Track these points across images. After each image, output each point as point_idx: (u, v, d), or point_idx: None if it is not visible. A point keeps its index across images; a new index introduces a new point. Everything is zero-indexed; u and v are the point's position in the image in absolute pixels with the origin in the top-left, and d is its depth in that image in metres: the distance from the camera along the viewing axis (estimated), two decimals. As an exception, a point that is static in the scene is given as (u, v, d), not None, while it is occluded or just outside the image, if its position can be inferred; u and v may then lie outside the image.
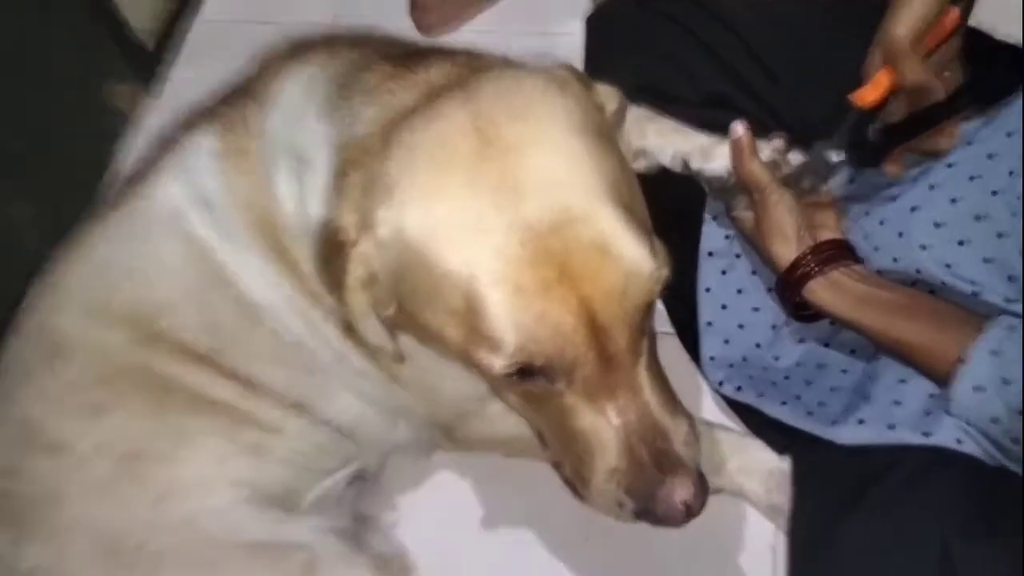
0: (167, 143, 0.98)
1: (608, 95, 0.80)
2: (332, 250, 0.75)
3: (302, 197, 0.84)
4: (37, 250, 1.25)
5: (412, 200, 0.69)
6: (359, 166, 0.74)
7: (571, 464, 0.77)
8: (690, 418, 0.76)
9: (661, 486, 0.72)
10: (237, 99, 0.93)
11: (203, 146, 0.91)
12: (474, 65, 0.79)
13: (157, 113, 1.53)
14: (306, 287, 0.88)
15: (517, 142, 0.69)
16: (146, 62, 1.53)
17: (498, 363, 0.68)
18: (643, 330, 0.72)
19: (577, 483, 0.77)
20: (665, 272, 0.70)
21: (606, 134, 0.76)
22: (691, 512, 0.73)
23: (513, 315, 0.66)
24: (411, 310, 0.72)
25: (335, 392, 0.96)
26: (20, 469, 0.86)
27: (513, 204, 0.66)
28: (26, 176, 1.27)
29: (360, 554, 0.91)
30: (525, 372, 0.69)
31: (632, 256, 0.67)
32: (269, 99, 0.89)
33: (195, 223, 0.90)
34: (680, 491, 0.72)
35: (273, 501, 0.91)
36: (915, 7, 0.85)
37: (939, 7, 0.85)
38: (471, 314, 0.67)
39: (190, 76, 1.54)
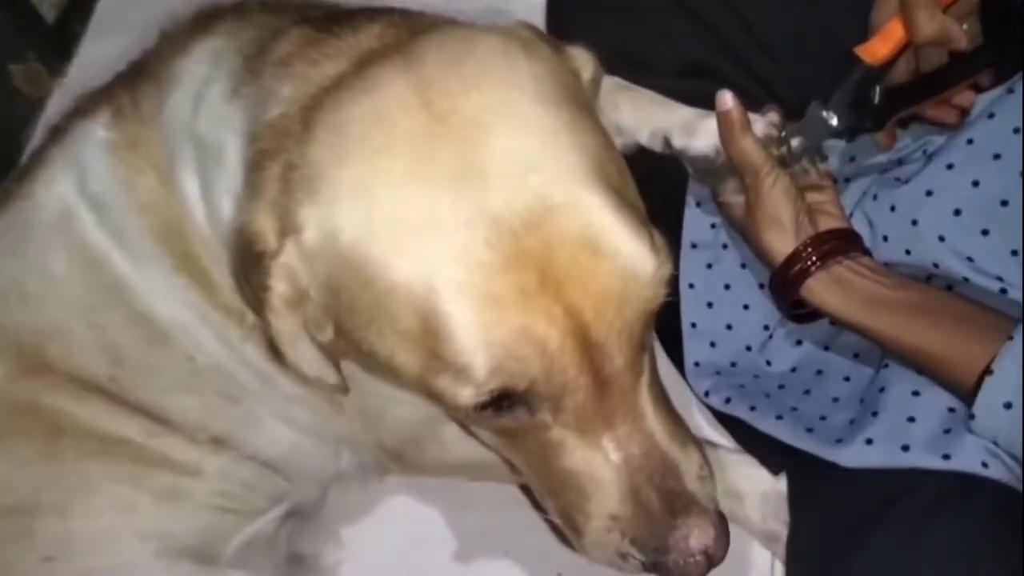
0: (55, 130, 0.85)
1: (581, 60, 0.67)
2: (249, 262, 0.61)
3: (211, 195, 0.71)
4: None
5: (344, 196, 0.56)
6: (276, 155, 0.61)
7: (560, 509, 0.65)
8: (700, 445, 0.64)
9: (673, 532, 0.60)
10: (131, 80, 0.80)
11: (93, 136, 0.78)
12: (413, 26, 0.65)
13: (66, 94, 1.36)
14: (221, 301, 0.75)
15: (475, 116, 0.56)
16: (50, 38, 1.38)
17: (466, 394, 0.55)
18: (644, 344, 0.60)
19: (568, 531, 0.65)
20: (668, 270, 0.57)
21: (585, 104, 0.63)
22: (712, 561, 0.61)
23: (483, 334, 0.53)
24: (352, 333, 0.59)
25: (262, 422, 0.83)
26: None
27: (475, 194, 0.54)
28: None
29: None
30: (500, 403, 0.57)
31: (629, 253, 0.55)
32: (168, 79, 0.76)
33: (86, 228, 0.77)
34: (697, 536, 0.60)
35: (189, 553, 0.79)
36: None
37: None
38: (429, 336, 0.54)
39: (101, 53, 1.37)
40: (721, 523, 0.62)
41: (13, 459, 0.75)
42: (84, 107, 0.83)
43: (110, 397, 0.77)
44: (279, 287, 0.59)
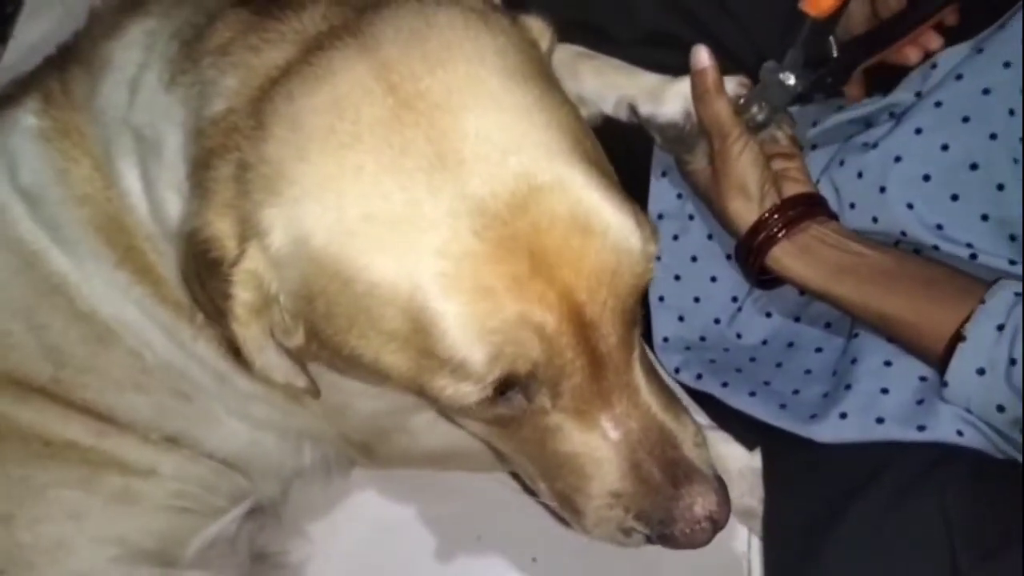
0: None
1: (538, 29, 0.64)
2: (204, 268, 0.58)
3: (153, 189, 0.67)
4: None
5: (312, 194, 0.53)
6: (225, 154, 0.57)
7: (557, 493, 0.63)
8: (689, 413, 0.64)
9: (678, 502, 0.60)
10: (63, 63, 0.76)
11: (22, 125, 0.74)
12: (357, 3, 0.61)
13: (3, 78, 1.30)
14: (169, 297, 0.72)
15: (444, 99, 0.53)
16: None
17: (467, 389, 0.54)
18: (635, 319, 0.59)
19: (568, 514, 0.64)
20: (655, 246, 0.56)
21: (550, 76, 0.61)
22: (717, 525, 0.62)
23: (478, 326, 0.51)
24: (331, 338, 0.57)
25: (218, 419, 0.81)
26: None
27: (454, 181, 0.51)
28: None
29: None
30: (496, 393, 0.55)
31: (619, 229, 0.54)
32: (100, 63, 0.71)
33: (19, 221, 0.74)
34: (701, 503, 0.60)
35: (148, 557, 0.77)
36: None
37: None
38: (419, 334, 0.52)
39: (37, 34, 1.31)
40: (721, 488, 0.62)
41: None
42: (11, 94, 0.79)
43: (54, 398, 0.74)
44: (242, 295, 0.56)
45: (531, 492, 0.69)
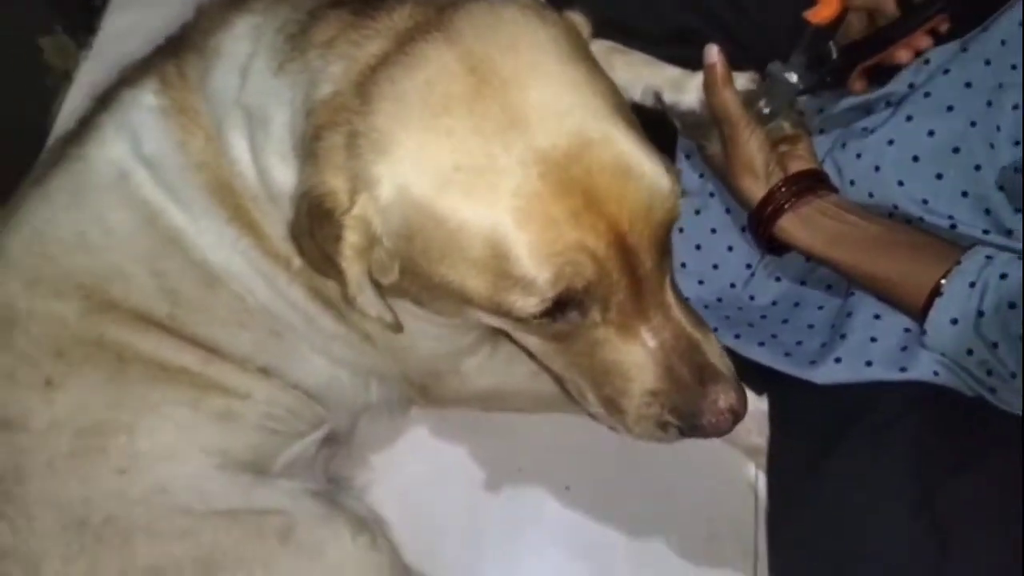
0: (103, 99, 0.92)
1: (579, 22, 0.77)
2: (318, 219, 0.70)
3: (260, 158, 0.79)
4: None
5: (412, 152, 0.66)
6: (335, 126, 0.69)
7: (602, 398, 0.75)
8: (714, 333, 0.76)
9: (703, 399, 0.72)
10: (175, 51, 0.87)
11: (144, 103, 0.86)
12: (436, 4, 0.74)
13: (91, 67, 1.45)
14: (270, 249, 0.84)
15: (514, 75, 0.66)
16: (77, 14, 1.45)
17: (533, 303, 0.66)
18: (667, 248, 0.71)
19: (612, 416, 0.76)
20: (680, 187, 0.69)
21: (593, 58, 0.73)
22: (737, 417, 0.73)
23: (545, 250, 0.64)
24: (422, 271, 0.69)
25: (304, 355, 0.93)
26: (-26, 449, 0.82)
27: (523, 138, 0.64)
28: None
29: (337, 513, 0.89)
30: (558, 309, 0.67)
31: (653, 174, 0.66)
32: (212, 52, 0.83)
33: (142, 185, 0.85)
34: (724, 399, 0.72)
35: (245, 467, 0.89)
36: None
37: None
38: (498, 259, 0.65)
39: (123, 26, 1.46)
40: (740, 387, 0.74)
41: (86, 385, 0.83)
42: (129, 77, 0.90)
43: (169, 331, 0.86)
44: (352, 238, 0.68)
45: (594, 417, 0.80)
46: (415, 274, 0.70)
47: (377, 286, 0.74)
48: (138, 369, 0.85)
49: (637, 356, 0.71)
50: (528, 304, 0.66)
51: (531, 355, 0.81)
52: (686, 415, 0.72)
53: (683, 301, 0.74)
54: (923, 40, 0.88)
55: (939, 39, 0.90)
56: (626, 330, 0.70)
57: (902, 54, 0.89)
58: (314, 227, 0.71)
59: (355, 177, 0.67)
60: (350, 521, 0.88)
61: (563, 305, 0.67)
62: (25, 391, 0.82)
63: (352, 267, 0.70)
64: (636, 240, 0.66)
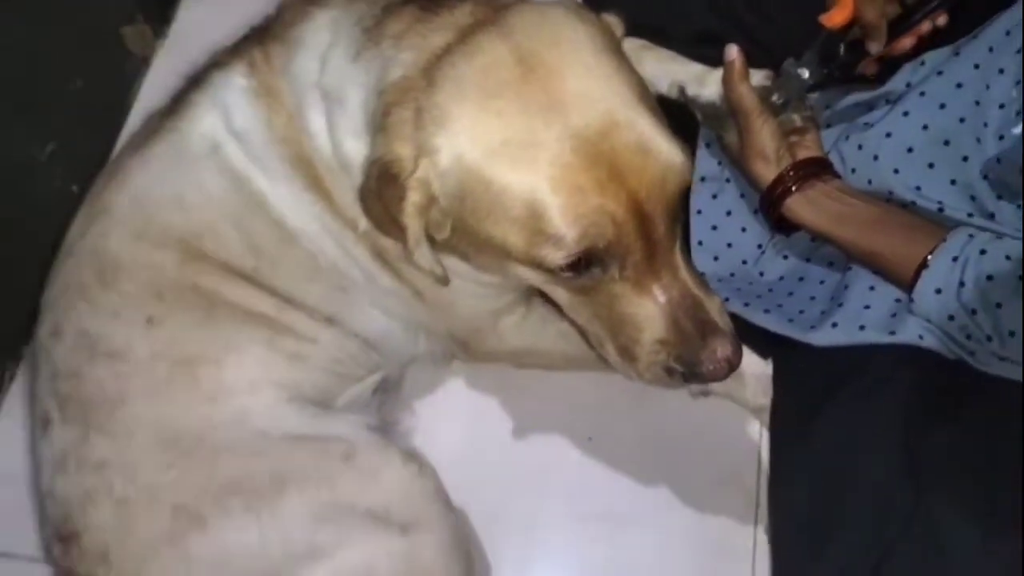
0: (195, 79, 1.04)
1: (614, 23, 0.88)
2: (385, 182, 0.82)
3: (335, 133, 0.92)
4: (60, 186, 1.35)
5: (468, 127, 0.78)
6: (403, 104, 0.82)
7: (618, 347, 0.87)
8: (717, 294, 0.87)
9: (704, 349, 0.83)
10: (261, 39, 0.99)
11: (234, 84, 0.98)
12: (492, 4, 0.86)
13: (167, 54, 1.58)
14: (339, 213, 0.96)
15: (556, 65, 0.78)
16: (155, 5, 1.57)
17: (561, 256, 0.77)
18: (678, 217, 0.82)
19: (626, 361, 0.87)
20: (691, 164, 0.80)
21: (624, 54, 0.85)
22: (732, 366, 0.84)
23: (573, 212, 0.75)
24: (470, 227, 0.81)
25: (363, 308, 1.05)
26: (83, 374, 0.95)
27: (561, 119, 0.76)
28: (50, 117, 1.33)
29: (390, 444, 1.01)
30: (582, 264, 0.79)
31: (668, 152, 0.78)
32: (294, 40, 0.95)
33: (231, 155, 0.97)
34: (721, 350, 0.83)
35: (312, 401, 1.01)
36: None
37: None
38: (534, 219, 0.76)
39: (198, 16, 1.59)
40: (736, 341, 0.85)
41: (181, 324, 0.96)
42: (220, 60, 1.03)
43: (252, 282, 0.99)
44: (414, 197, 0.80)
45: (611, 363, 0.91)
46: (464, 231, 0.82)
47: (431, 242, 0.86)
48: (225, 312, 0.97)
49: (649, 309, 0.82)
50: (557, 257, 0.77)
51: (559, 309, 0.93)
52: (689, 363, 0.83)
53: (690, 265, 0.85)
54: (924, 26, 0.97)
55: (936, 40, 0.99)
56: (640, 286, 0.81)
57: (906, 42, 0.97)
58: (381, 189, 0.83)
59: (419, 146, 0.79)
60: (401, 451, 0.99)
61: (587, 261, 0.79)
62: (128, 327, 0.95)
63: (413, 223, 0.82)
64: (651, 208, 0.78)
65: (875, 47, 0.97)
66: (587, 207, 0.75)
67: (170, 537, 0.89)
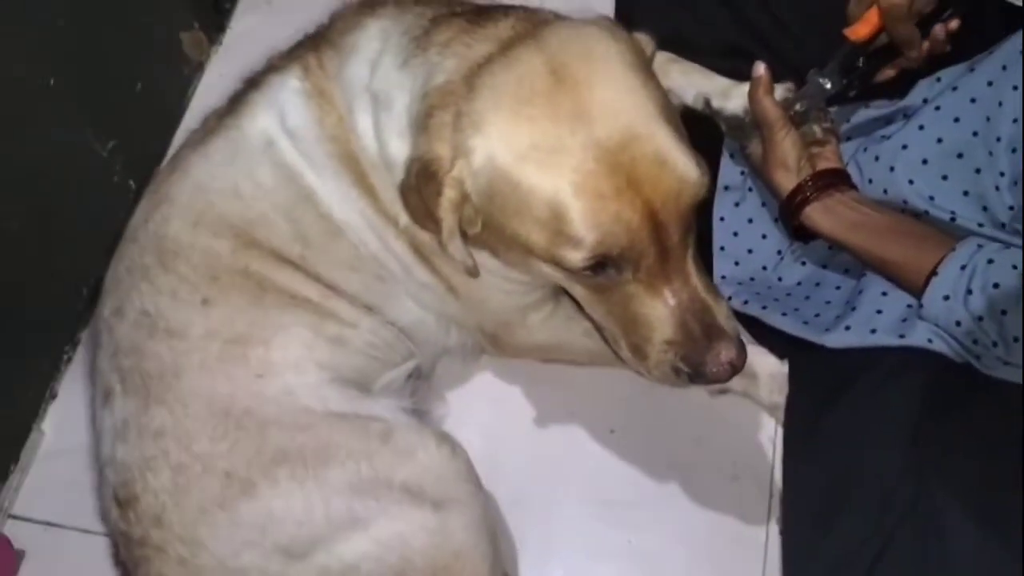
0: (253, 81, 1.12)
1: (644, 41, 0.94)
2: (424, 179, 0.89)
3: (381, 134, 0.99)
4: (119, 181, 1.44)
5: (501, 131, 0.84)
6: (445, 108, 0.88)
7: (631, 344, 0.92)
8: (726, 301, 0.91)
9: (709, 351, 0.87)
10: (315, 45, 1.07)
11: (289, 86, 1.05)
12: (533, 19, 0.93)
13: (221, 59, 1.67)
14: (382, 209, 1.03)
15: (584, 79, 0.83)
16: (211, 14, 1.67)
17: (579, 257, 0.83)
18: (691, 227, 0.87)
19: (637, 359, 0.92)
20: (708, 178, 0.85)
21: (651, 70, 0.90)
22: (735, 369, 0.89)
23: (592, 217, 0.81)
24: (498, 224, 0.87)
25: (400, 298, 1.12)
26: (143, 350, 1.02)
27: (586, 129, 0.81)
28: (112, 116, 1.42)
29: (425, 427, 1.07)
30: (599, 265, 0.84)
31: (684, 165, 0.83)
32: (346, 47, 1.03)
33: (284, 151, 1.05)
34: (725, 354, 0.87)
35: (351, 383, 1.07)
36: None
37: None
38: (556, 220, 0.82)
39: (248, 26, 1.69)
40: (740, 345, 0.89)
41: (233, 306, 1.03)
42: (275, 64, 1.10)
43: (299, 269, 1.05)
44: (450, 193, 0.87)
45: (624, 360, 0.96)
46: (493, 227, 0.89)
47: (463, 237, 0.92)
48: (273, 296, 1.04)
49: (659, 311, 0.87)
50: (575, 258, 0.83)
51: (578, 306, 0.98)
52: (694, 364, 0.88)
53: (702, 272, 0.89)
54: (938, 30, 1.00)
55: (952, 57, 1.03)
56: (652, 289, 0.86)
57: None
58: (421, 185, 0.90)
59: (456, 147, 0.86)
60: (435, 433, 1.05)
61: (603, 262, 0.84)
62: (185, 306, 1.02)
63: (448, 217, 0.88)
64: (665, 216, 0.83)
65: (913, 55, 1.00)
66: (605, 213, 0.81)
67: (221, 501, 0.96)
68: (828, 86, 1.04)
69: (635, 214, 0.81)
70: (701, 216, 0.94)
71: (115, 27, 1.42)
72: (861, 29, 1.01)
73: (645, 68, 0.90)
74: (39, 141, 1.27)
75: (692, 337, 0.87)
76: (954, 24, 1.00)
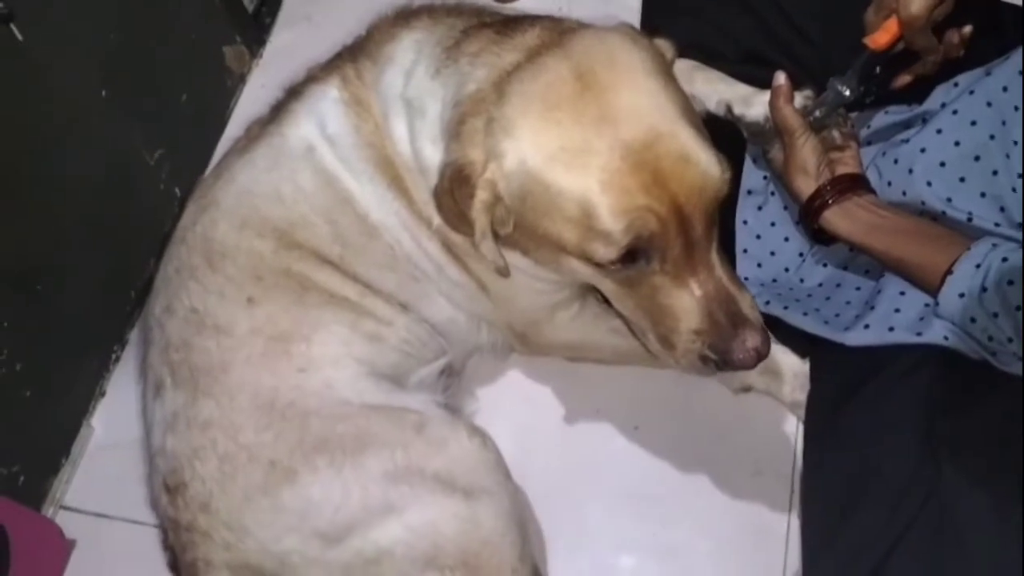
0: (294, 91, 1.18)
1: (665, 47, 0.99)
2: (458, 182, 0.93)
3: (416, 139, 1.04)
4: (164, 189, 1.51)
5: (531, 135, 0.88)
6: (476, 114, 0.93)
7: (658, 336, 0.95)
8: (749, 291, 0.95)
9: (735, 339, 0.91)
10: (353, 57, 1.12)
11: (329, 95, 1.11)
12: (558, 28, 0.97)
13: (262, 72, 1.74)
14: (416, 211, 1.08)
15: (610, 84, 0.88)
16: (252, 28, 1.74)
17: (610, 251, 0.87)
18: (715, 220, 0.91)
19: (665, 349, 0.96)
20: (729, 174, 0.89)
21: (672, 75, 0.95)
22: (760, 356, 0.92)
23: (620, 211, 0.85)
24: (530, 223, 0.91)
25: (433, 297, 1.17)
26: (192, 345, 1.08)
27: (612, 130, 0.86)
28: (159, 126, 1.49)
29: (457, 419, 1.11)
30: (628, 258, 0.88)
31: (707, 161, 0.87)
32: (383, 58, 1.08)
33: (324, 157, 1.10)
34: (751, 341, 0.91)
35: (387, 378, 1.12)
36: None
37: None
38: (586, 217, 0.86)
39: (287, 40, 1.76)
40: (765, 333, 0.92)
41: (276, 304, 1.08)
42: (316, 75, 1.16)
43: (338, 268, 1.11)
44: (482, 195, 0.91)
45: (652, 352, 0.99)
46: (524, 227, 0.93)
47: (495, 237, 0.96)
48: (314, 295, 1.09)
49: (686, 302, 0.91)
50: (607, 252, 0.87)
51: (607, 301, 1.02)
52: (721, 351, 0.91)
53: (725, 264, 0.93)
54: (952, 36, 1.03)
55: (969, 60, 1.06)
56: (679, 280, 0.90)
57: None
58: (454, 188, 0.94)
59: (488, 151, 0.90)
60: (467, 426, 1.09)
61: (632, 255, 0.88)
62: (232, 305, 1.08)
63: (481, 218, 0.93)
64: (690, 210, 0.87)
65: (931, 60, 1.04)
66: (633, 207, 0.85)
67: (265, 488, 1.01)
68: (847, 93, 1.07)
69: (662, 207, 0.86)
70: (724, 220, 0.98)
71: (162, 42, 1.50)
72: (881, 38, 1.04)
73: (666, 72, 0.94)
74: (90, 149, 1.35)
75: (718, 326, 0.91)
76: (967, 30, 1.03)
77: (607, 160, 0.85)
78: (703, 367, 0.94)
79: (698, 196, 0.87)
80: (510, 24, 1.00)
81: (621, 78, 0.89)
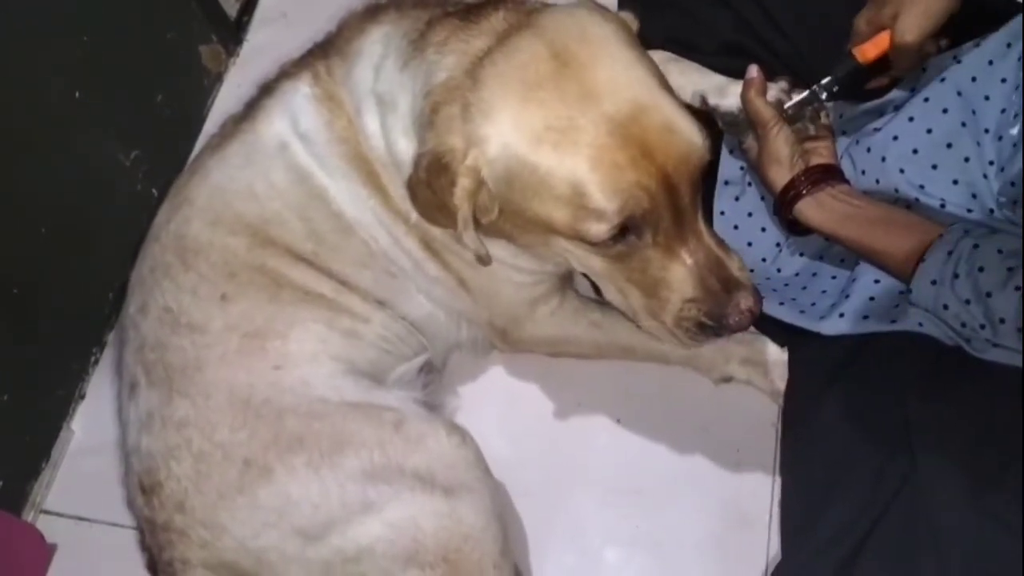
0: (267, 88, 1.18)
1: (629, 19, 0.98)
2: (436, 171, 0.92)
3: (388, 133, 1.03)
4: (141, 190, 1.50)
5: (513, 117, 0.88)
6: (450, 102, 0.92)
7: (651, 311, 0.95)
8: (737, 254, 0.96)
9: (730, 302, 0.92)
10: (324, 53, 1.12)
11: (300, 91, 1.11)
12: (522, 10, 0.97)
13: (239, 71, 1.73)
14: (392, 206, 1.08)
15: (587, 59, 0.88)
16: (228, 27, 1.73)
17: (603, 228, 0.87)
18: (699, 188, 0.92)
19: (658, 323, 0.96)
20: (709, 142, 0.90)
21: (641, 47, 0.94)
22: (754, 316, 0.93)
23: (612, 187, 0.85)
24: (517, 207, 0.91)
25: (411, 293, 1.16)
26: (167, 344, 1.07)
27: (595, 106, 0.86)
28: (135, 127, 1.48)
29: (436, 417, 1.11)
30: (621, 233, 0.88)
31: (690, 131, 0.88)
32: (352, 53, 1.08)
33: (297, 153, 1.10)
34: (744, 302, 0.92)
35: (365, 375, 1.12)
36: (926, 16, 0.98)
37: (946, 15, 0.99)
38: (577, 196, 0.86)
39: (264, 39, 1.75)
40: (756, 292, 0.93)
41: (250, 301, 1.07)
42: (288, 72, 1.16)
43: (312, 265, 1.10)
44: (464, 182, 0.90)
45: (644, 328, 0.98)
46: (511, 211, 0.92)
47: (476, 225, 0.95)
48: (289, 292, 1.09)
49: (678, 271, 0.92)
50: (600, 229, 0.87)
51: (594, 286, 1.01)
52: (716, 316, 0.92)
53: (711, 229, 0.94)
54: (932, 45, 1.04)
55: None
56: (669, 251, 0.91)
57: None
58: (431, 178, 0.93)
59: (468, 137, 0.90)
60: (445, 423, 1.09)
61: (624, 230, 0.88)
62: (205, 302, 1.07)
63: (463, 206, 0.92)
64: (678, 180, 0.87)
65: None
66: (624, 182, 0.85)
67: (240, 487, 1.00)
68: (824, 96, 1.07)
69: (651, 179, 0.86)
70: (703, 209, 0.97)
71: (137, 42, 1.48)
72: (869, 51, 1.04)
73: (637, 43, 0.94)
74: (66, 151, 1.34)
75: (712, 292, 0.92)
76: (944, 43, 1.04)
77: (594, 137, 0.85)
78: (698, 334, 0.94)
79: (684, 165, 0.88)
80: (473, 10, 0.99)
81: (597, 53, 0.89)
